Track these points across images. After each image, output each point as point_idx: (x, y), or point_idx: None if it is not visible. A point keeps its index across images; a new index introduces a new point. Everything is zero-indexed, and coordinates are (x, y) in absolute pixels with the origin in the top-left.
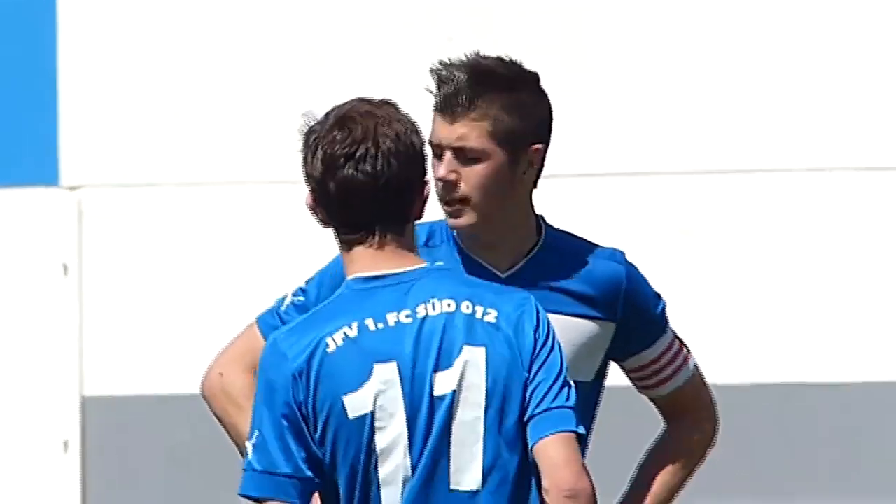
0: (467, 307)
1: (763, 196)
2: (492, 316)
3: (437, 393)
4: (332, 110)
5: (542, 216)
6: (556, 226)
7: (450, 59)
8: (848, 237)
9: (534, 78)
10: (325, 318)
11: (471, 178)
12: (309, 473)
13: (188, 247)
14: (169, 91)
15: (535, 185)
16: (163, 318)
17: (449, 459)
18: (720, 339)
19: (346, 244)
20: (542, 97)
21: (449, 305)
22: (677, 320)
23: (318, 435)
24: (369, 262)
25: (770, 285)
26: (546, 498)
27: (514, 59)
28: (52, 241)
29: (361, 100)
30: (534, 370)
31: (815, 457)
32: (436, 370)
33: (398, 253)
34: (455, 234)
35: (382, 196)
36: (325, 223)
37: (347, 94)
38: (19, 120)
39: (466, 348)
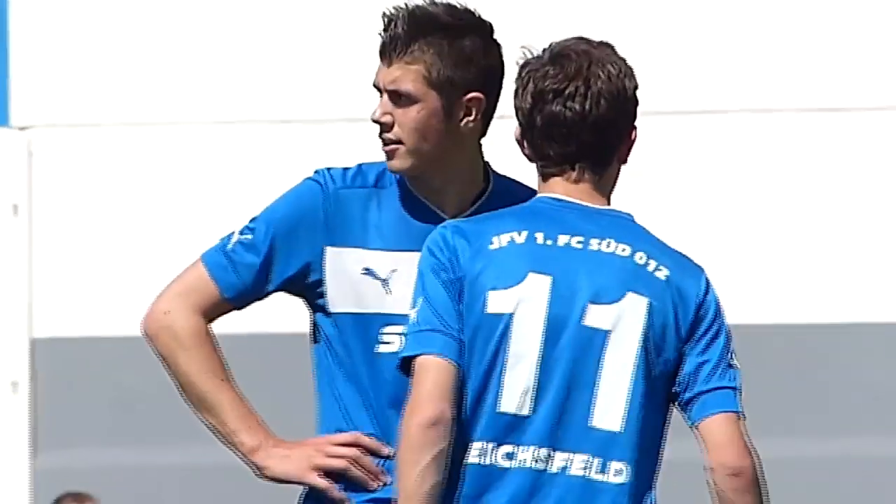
0: (641, 258)
1: (713, 138)
2: (663, 273)
3: (587, 323)
4: (550, 46)
5: (488, 163)
6: (506, 169)
7: (398, 5)
8: (798, 178)
9: (483, 27)
10: (502, 219)
11: (403, 121)
12: (465, 338)
13: (137, 187)
14: (118, 32)
15: (482, 133)
16: (112, 260)
17: (592, 395)
18: None
19: (544, 175)
20: (490, 47)
21: (623, 250)
22: None
23: (465, 320)
24: (561, 191)
25: (720, 227)
26: (711, 476)
27: (467, 7)
28: (1, 181)
29: (580, 39)
30: (697, 346)
31: (772, 397)
32: (592, 301)
33: (592, 192)
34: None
35: (587, 135)
36: (530, 157)
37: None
38: None
39: (631, 294)
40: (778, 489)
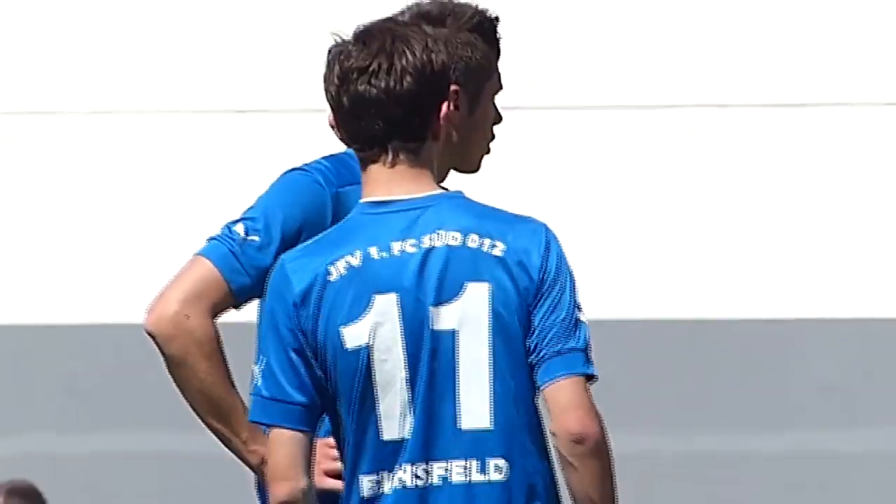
0: (473, 240)
1: (677, 132)
2: (498, 249)
3: (436, 327)
4: (355, 28)
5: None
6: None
7: None
8: (747, 174)
9: None
10: (331, 244)
11: None
12: (316, 400)
13: (92, 175)
14: (79, 18)
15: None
16: (68, 247)
17: (455, 398)
18: (635, 276)
19: (363, 163)
20: None
21: (455, 238)
22: (602, 257)
23: (319, 364)
24: (382, 184)
25: (671, 222)
26: (554, 442)
27: None
28: None
29: (386, 19)
30: (541, 308)
31: (721, 391)
32: (436, 304)
33: (412, 174)
34: None
35: (395, 112)
36: (344, 141)
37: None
38: None
39: (470, 284)
40: (726, 483)
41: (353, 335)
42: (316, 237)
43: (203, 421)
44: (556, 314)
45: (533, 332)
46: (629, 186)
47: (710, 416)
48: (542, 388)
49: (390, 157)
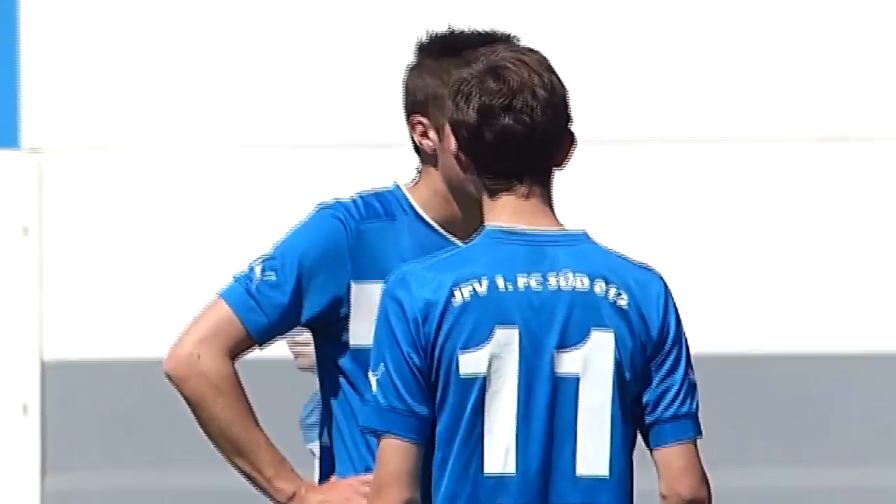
0: (600, 287)
1: (714, 167)
2: (623, 300)
3: (559, 371)
4: (481, 57)
5: None
6: None
7: None
8: (799, 206)
9: (417, 49)
10: (457, 264)
11: None
12: (431, 415)
13: (148, 211)
14: (131, 54)
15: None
16: (122, 283)
17: (575, 444)
18: (690, 310)
19: (492, 192)
20: (414, 68)
21: (582, 282)
22: None
23: (432, 382)
24: (511, 213)
25: (721, 254)
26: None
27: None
28: (12, 203)
29: (507, 46)
30: (659, 368)
31: (774, 427)
32: (559, 347)
33: (540, 207)
34: (415, 203)
35: (536, 147)
36: (466, 170)
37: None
38: None
39: (595, 331)
40: None
41: (470, 362)
42: (438, 255)
43: (227, 459)
44: (673, 376)
45: (648, 390)
46: (681, 218)
47: (765, 451)
48: (654, 449)
49: (524, 189)
